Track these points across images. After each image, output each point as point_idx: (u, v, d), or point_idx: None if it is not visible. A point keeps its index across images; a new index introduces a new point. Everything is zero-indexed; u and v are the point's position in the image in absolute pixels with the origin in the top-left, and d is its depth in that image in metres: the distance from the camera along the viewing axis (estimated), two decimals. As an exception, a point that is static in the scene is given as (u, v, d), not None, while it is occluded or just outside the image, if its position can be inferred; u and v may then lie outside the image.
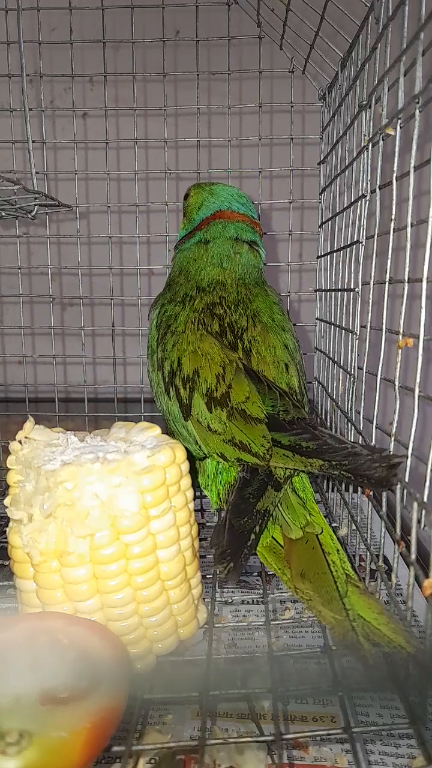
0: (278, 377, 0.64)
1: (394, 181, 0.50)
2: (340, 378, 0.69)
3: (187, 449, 0.53)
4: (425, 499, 0.42)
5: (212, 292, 0.69)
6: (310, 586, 0.51)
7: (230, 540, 0.53)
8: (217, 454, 0.59)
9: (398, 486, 0.47)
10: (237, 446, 0.57)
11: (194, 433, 0.61)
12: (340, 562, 0.53)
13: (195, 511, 0.53)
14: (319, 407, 0.88)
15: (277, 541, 0.58)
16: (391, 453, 0.50)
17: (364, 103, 0.57)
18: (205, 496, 0.82)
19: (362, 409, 0.62)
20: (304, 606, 0.52)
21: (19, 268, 0.90)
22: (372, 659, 0.44)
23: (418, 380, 0.45)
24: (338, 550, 0.55)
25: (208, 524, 0.77)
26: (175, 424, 0.65)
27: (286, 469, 0.57)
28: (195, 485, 0.54)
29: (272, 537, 0.58)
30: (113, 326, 0.92)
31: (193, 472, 0.60)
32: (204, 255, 0.72)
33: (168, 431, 0.69)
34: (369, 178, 0.57)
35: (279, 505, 0.57)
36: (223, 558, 0.52)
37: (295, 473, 0.59)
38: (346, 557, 0.55)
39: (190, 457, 0.57)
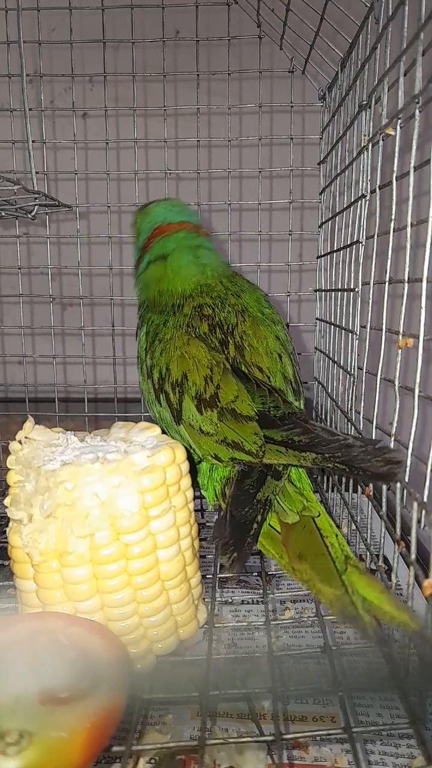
0: (272, 367, 0.64)
1: (394, 181, 0.50)
2: (340, 378, 0.70)
3: (186, 449, 0.53)
4: (425, 499, 0.42)
5: (199, 295, 0.69)
6: (308, 566, 0.51)
7: (232, 531, 0.53)
8: (212, 456, 0.59)
9: (398, 486, 0.47)
10: (230, 446, 0.57)
11: (187, 438, 0.61)
12: (339, 545, 0.53)
13: (195, 511, 0.53)
14: (319, 407, 0.88)
15: (273, 528, 0.58)
16: (386, 445, 0.50)
17: (364, 103, 0.57)
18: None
19: (362, 409, 0.62)
20: (304, 606, 0.52)
21: (19, 268, 0.90)
22: (372, 630, 0.44)
23: (418, 380, 0.45)
24: (337, 534, 0.55)
25: (208, 524, 0.77)
26: (168, 430, 0.65)
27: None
28: (195, 485, 0.54)
29: (269, 524, 0.58)
30: (113, 326, 0.92)
31: (193, 472, 0.60)
32: (167, 271, 0.72)
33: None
34: (369, 178, 0.57)
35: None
36: (227, 549, 0.52)
37: None
38: (346, 541, 0.55)
39: (190, 457, 0.58)
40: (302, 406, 0.66)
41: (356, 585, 0.48)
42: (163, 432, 0.65)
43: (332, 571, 0.49)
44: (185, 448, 0.62)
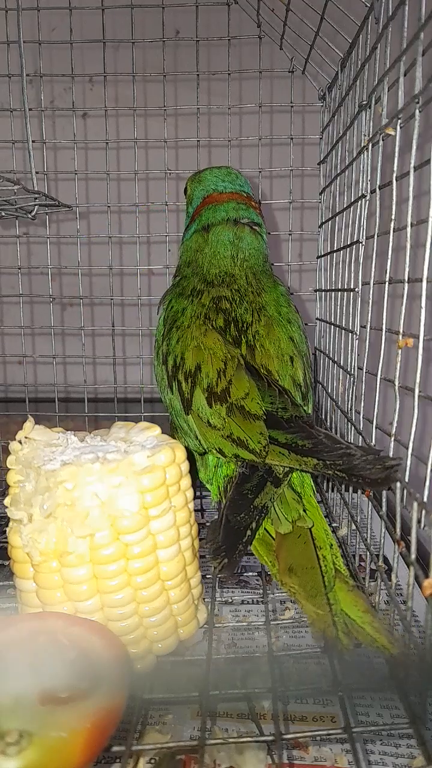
0: (282, 370, 0.64)
1: (394, 181, 0.50)
2: (340, 378, 0.69)
3: (187, 447, 0.52)
4: (425, 499, 0.42)
5: (220, 285, 0.68)
6: (297, 581, 0.51)
7: (225, 536, 0.53)
8: (216, 450, 0.59)
9: (398, 486, 0.47)
10: (235, 442, 0.57)
11: (194, 428, 0.62)
12: (331, 557, 0.53)
13: (195, 511, 0.53)
14: (319, 407, 0.88)
15: (269, 533, 0.58)
16: (386, 454, 0.50)
17: (364, 103, 0.57)
18: (205, 496, 0.82)
19: (362, 409, 0.62)
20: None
21: (19, 268, 0.90)
22: (349, 655, 0.45)
23: (418, 380, 0.45)
24: (331, 545, 0.55)
25: (208, 524, 0.77)
26: (177, 418, 0.65)
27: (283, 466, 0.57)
28: (195, 485, 0.55)
29: (264, 529, 0.58)
30: (113, 326, 0.92)
31: (193, 472, 0.60)
32: (206, 245, 0.72)
33: (171, 428, 0.69)
34: (369, 178, 0.57)
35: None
36: (218, 554, 0.52)
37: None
38: (340, 553, 0.55)
39: (191, 457, 0.58)
40: (311, 411, 0.66)
41: (341, 602, 0.49)
42: (169, 430, 0.66)
43: (319, 587, 0.50)
44: (186, 443, 0.62)
